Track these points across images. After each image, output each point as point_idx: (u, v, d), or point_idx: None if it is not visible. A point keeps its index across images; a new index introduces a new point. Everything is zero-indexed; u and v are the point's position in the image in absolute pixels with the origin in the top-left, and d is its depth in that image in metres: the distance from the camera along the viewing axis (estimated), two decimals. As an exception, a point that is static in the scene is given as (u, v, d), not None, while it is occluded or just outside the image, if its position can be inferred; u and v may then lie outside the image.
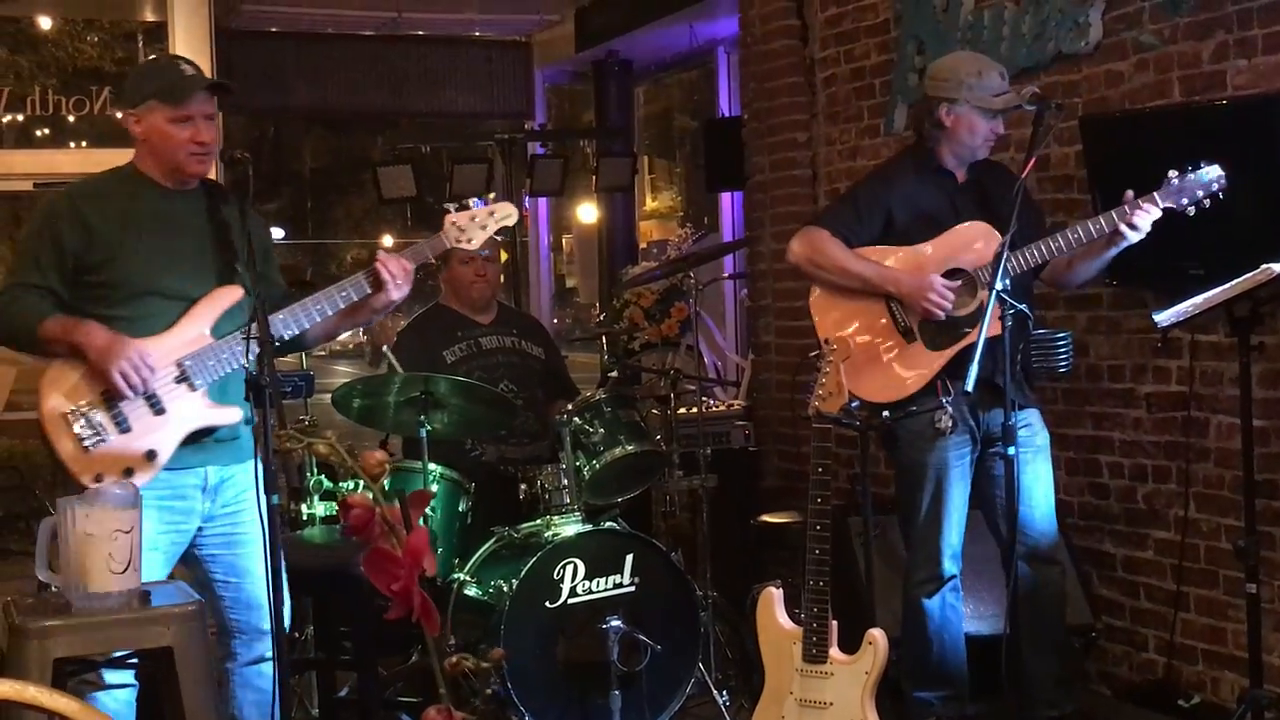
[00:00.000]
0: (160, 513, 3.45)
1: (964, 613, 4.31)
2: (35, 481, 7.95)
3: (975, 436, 4.20)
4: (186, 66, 3.61)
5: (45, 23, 9.22)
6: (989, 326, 3.70)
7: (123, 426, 3.40)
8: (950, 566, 4.21)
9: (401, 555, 1.85)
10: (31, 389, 3.78)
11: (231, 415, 3.50)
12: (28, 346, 3.54)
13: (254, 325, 3.24)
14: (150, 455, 3.41)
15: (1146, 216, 3.85)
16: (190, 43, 7.20)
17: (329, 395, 4.84)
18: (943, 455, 4.14)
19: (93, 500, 2.71)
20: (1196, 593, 4.67)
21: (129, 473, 3.37)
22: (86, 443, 3.36)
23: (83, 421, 3.37)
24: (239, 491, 3.60)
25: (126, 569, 2.70)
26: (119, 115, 3.62)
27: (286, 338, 3.55)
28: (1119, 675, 4.94)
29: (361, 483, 4.62)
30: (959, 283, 4.06)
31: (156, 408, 3.43)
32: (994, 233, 3.99)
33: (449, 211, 3.80)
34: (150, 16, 8.25)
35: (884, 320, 4.17)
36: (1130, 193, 3.87)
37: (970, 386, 3.61)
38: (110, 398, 3.39)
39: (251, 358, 3.27)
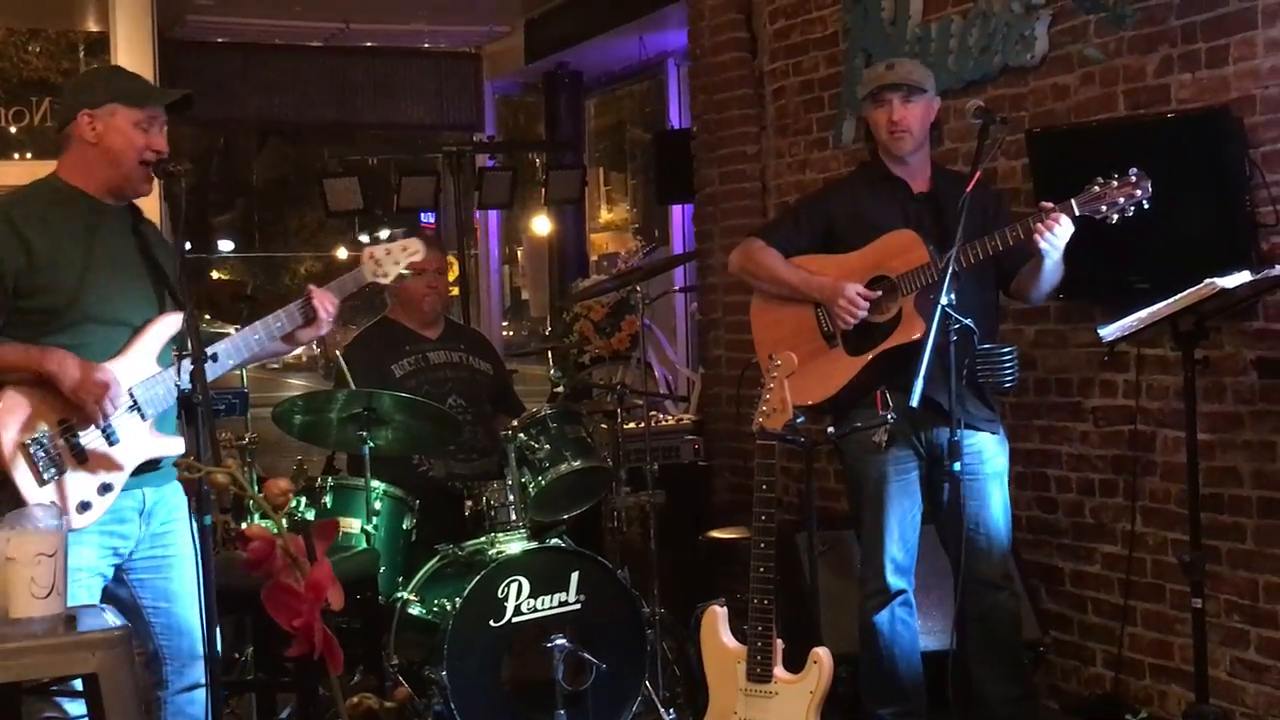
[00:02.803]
0: (101, 537, 3.37)
1: (916, 628, 4.27)
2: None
3: (919, 452, 4.18)
4: (141, 77, 3.57)
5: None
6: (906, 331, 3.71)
7: (80, 457, 3.28)
8: (896, 581, 4.18)
9: (304, 589, 1.77)
10: None
11: (176, 446, 3.39)
12: None
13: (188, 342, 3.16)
14: (105, 489, 3.32)
15: (1059, 226, 3.77)
16: (133, 53, 7.07)
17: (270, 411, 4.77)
18: (882, 469, 4.13)
19: (14, 523, 2.63)
20: (1144, 607, 4.66)
21: (84, 506, 3.28)
22: (45, 475, 3.24)
23: (41, 451, 3.24)
24: (169, 512, 3.52)
25: (50, 593, 2.62)
26: (70, 120, 3.43)
27: (226, 370, 3.53)
28: (1067, 690, 4.93)
29: (300, 502, 4.62)
30: (879, 292, 4.05)
31: (111, 438, 3.32)
32: (920, 242, 3.99)
33: (366, 246, 3.88)
34: (93, 26, 8.13)
35: (811, 325, 4.22)
36: (1046, 204, 3.84)
37: (915, 401, 3.58)
38: (69, 429, 3.28)
39: (184, 375, 3.18)
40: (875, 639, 4.22)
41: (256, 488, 4.67)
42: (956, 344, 3.62)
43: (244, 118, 10.97)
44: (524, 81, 11.01)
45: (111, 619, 2.79)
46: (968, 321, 3.65)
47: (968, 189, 3.77)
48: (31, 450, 3.23)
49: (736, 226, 6.39)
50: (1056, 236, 3.79)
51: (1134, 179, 3.71)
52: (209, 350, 3.37)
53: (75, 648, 2.64)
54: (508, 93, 11.57)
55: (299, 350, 3.99)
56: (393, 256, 3.78)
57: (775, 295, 4.33)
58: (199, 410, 3.08)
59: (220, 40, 10.11)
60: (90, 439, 3.29)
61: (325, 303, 3.61)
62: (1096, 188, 3.74)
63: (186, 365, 3.17)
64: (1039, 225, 3.79)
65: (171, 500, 3.52)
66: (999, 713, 4.27)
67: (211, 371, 3.41)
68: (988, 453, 4.17)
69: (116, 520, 3.41)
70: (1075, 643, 4.91)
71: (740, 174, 6.38)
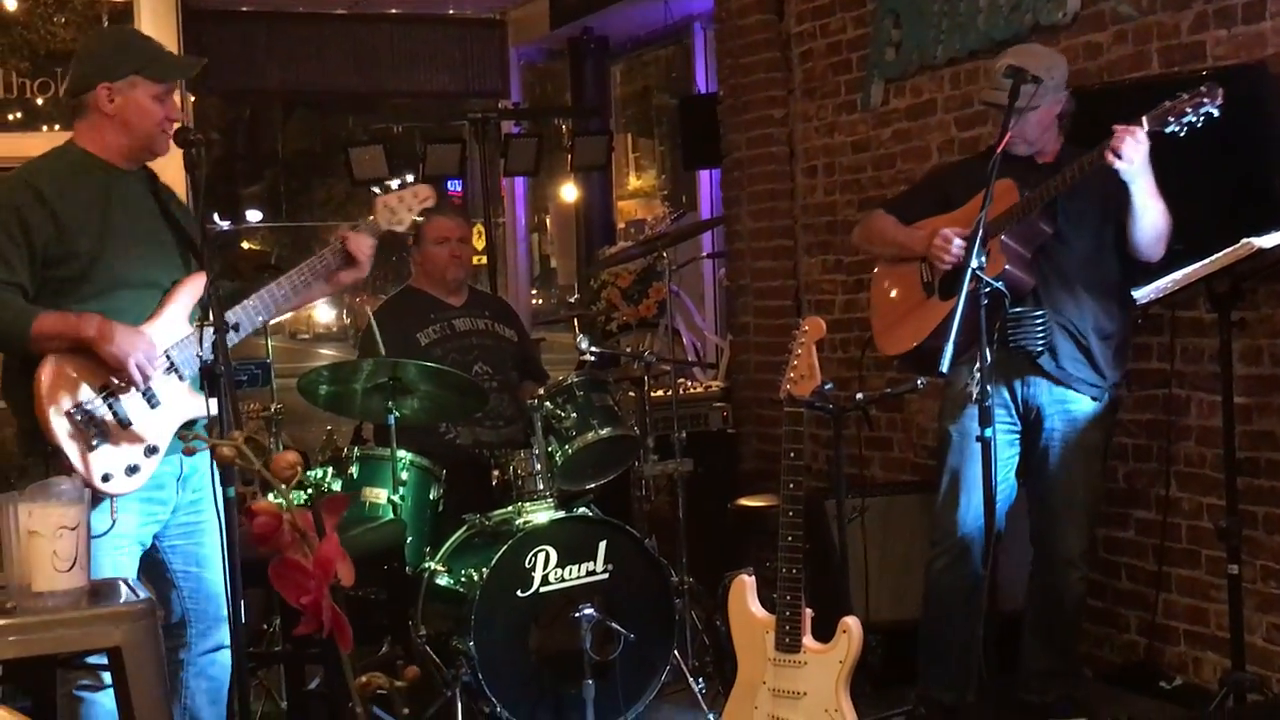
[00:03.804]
0: (143, 505, 3.38)
1: (981, 590, 4.22)
2: (11, 473, 7.84)
3: (1015, 410, 4.15)
4: (156, 40, 3.54)
5: (10, 3, 9.04)
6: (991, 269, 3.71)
7: (123, 422, 3.29)
8: (966, 541, 4.16)
9: (311, 565, 1.73)
10: None
11: (213, 405, 3.33)
12: (10, 348, 3.36)
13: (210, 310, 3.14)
14: (151, 450, 3.33)
15: (1131, 139, 3.69)
16: (157, 23, 7.06)
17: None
18: (967, 424, 4.05)
19: (36, 497, 2.62)
20: (1178, 573, 4.61)
21: (132, 470, 3.28)
22: (92, 441, 3.24)
23: (87, 419, 3.24)
24: (202, 479, 3.49)
25: (73, 567, 2.61)
26: (88, 91, 3.40)
27: (260, 323, 3.55)
28: (1100, 657, 4.88)
29: (327, 472, 4.60)
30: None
31: (152, 401, 3.34)
32: (1015, 188, 3.95)
33: (376, 194, 3.87)
34: (117, -3, 8.12)
35: (914, 279, 4.27)
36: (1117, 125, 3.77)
37: (944, 368, 3.53)
38: (111, 393, 3.28)
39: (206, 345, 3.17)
40: (937, 599, 4.25)
41: (281, 459, 4.65)
42: (987, 308, 3.55)
43: (267, 87, 10.94)
44: (549, 48, 10.94)
45: (134, 592, 2.78)
46: (999, 284, 3.59)
47: (998, 149, 3.70)
48: (77, 417, 3.23)
49: (764, 192, 6.34)
50: (1130, 150, 3.69)
51: (1204, 89, 3.63)
52: (231, 319, 3.35)
53: (98, 621, 2.63)
54: (533, 59, 11.50)
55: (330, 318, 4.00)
56: (405, 203, 3.76)
57: (890, 259, 4.40)
58: (221, 379, 3.05)
59: (243, 9, 10.06)
60: (132, 403, 3.31)
61: (362, 244, 3.64)
62: (1167, 102, 3.66)
63: (209, 334, 3.15)
64: (1109, 144, 3.72)
65: (205, 467, 3.47)
66: (1037, 685, 4.28)
67: (241, 332, 3.45)
68: (1081, 418, 4.12)
69: (156, 487, 3.41)
70: (1109, 609, 4.86)
71: (767, 138, 6.32)
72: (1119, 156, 3.70)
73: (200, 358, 3.20)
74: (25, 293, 3.28)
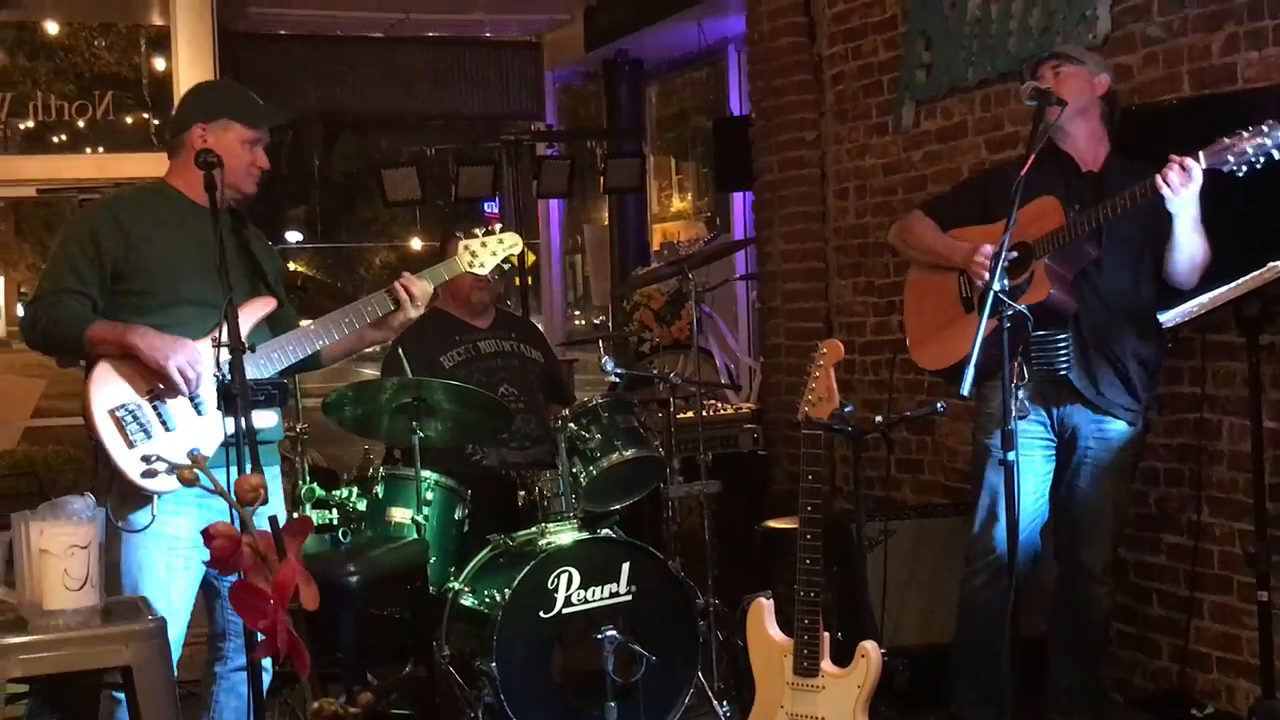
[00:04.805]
0: (199, 510, 3.46)
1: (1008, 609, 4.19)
2: (53, 487, 7.92)
3: (1050, 430, 4.14)
4: (252, 93, 3.73)
5: (52, 28, 9.18)
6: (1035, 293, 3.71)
7: (168, 425, 3.44)
8: (1001, 559, 4.11)
9: (270, 589, 1.72)
10: (62, 393, 3.80)
11: (267, 420, 3.50)
12: (69, 352, 3.59)
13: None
14: (194, 454, 3.36)
15: (1182, 173, 3.64)
16: (194, 46, 7.09)
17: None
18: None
19: (47, 515, 2.63)
20: (1210, 599, 4.54)
21: (174, 470, 3.33)
22: (134, 438, 3.39)
23: (130, 419, 3.41)
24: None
25: (84, 585, 2.62)
26: (184, 130, 3.64)
27: (310, 350, 3.65)
28: (1131, 683, 4.82)
29: (352, 492, 4.60)
30: (1015, 254, 3.93)
31: (199, 409, 3.47)
32: (1059, 207, 3.93)
33: (458, 237, 3.97)
34: (156, 20, 8.18)
35: (953, 293, 4.23)
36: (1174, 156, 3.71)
37: (965, 391, 3.49)
38: (157, 397, 3.44)
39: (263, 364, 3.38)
40: (972, 617, 4.22)
41: (308, 478, 4.66)
42: (1010, 330, 3.52)
43: (305, 110, 11.02)
44: (584, 70, 10.98)
45: (146, 611, 2.79)
46: (1021, 308, 3.55)
47: (1022, 171, 3.67)
48: (120, 416, 3.40)
49: (796, 214, 6.33)
50: (1180, 185, 3.64)
51: (1266, 128, 3.54)
52: (263, 344, 3.52)
53: (109, 640, 2.64)
54: (568, 81, 11.55)
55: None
56: (489, 248, 3.89)
57: (926, 266, 4.36)
58: (237, 400, 3.08)
59: (281, 32, 10.15)
60: (178, 408, 3.46)
61: (413, 288, 3.71)
62: (1226, 139, 3.60)
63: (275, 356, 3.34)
64: (1161, 174, 3.67)
65: (269, 485, 3.55)
66: (1066, 703, 4.25)
67: (289, 359, 3.61)
68: (1115, 441, 4.12)
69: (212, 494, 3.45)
70: (1140, 635, 4.80)
71: (799, 160, 6.31)
72: (1167, 184, 3.66)
73: (218, 378, 3.24)
74: (95, 304, 3.50)
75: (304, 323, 3.72)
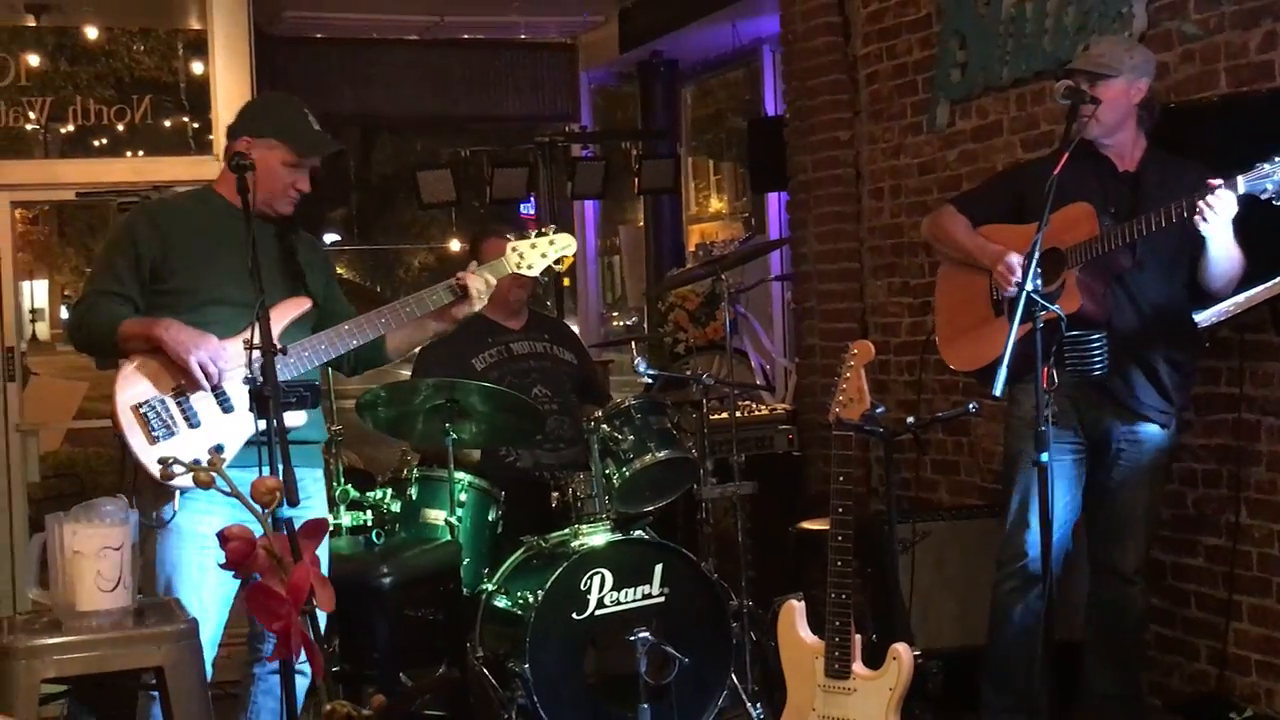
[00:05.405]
0: (233, 510, 3.41)
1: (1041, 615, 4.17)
2: (94, 489, 7.98)
3: (1080, 436, 4.11)
4: (312, 119, 3.75)
5: (91, 33, 9.25)
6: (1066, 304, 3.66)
7: (193, 422, 3.48)
8: (1034, 565, 4.09)
9: (285, 591, 1.72)
10: (104, 395, 3.86)
11: (297, 419, 3.51)
12: (107, 349, 3.62)
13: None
14: (217, 449, 3.38)
15: (1217, 201, 3.58)
16: (231, 50, 7.14)
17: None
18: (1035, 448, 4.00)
19: (80, 517, 2.65)
20: (1249, 601, 4.50)
21: (196, 464, 3.35)
22: (157, 434, 3.42)
23: (154, 414, 3.45)
24: (301, 495, 3.57)
25: (116, 586, 2.64)
26: (233, 140, 3.71)
27: (341, 350, 3.66)
28: (1170, 686, 4.78)
29: (386, 494, 4.61)
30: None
31: (225, 406, 3.50)
32: (1094, 215, 3.89)
33: (508, 239, 3.91)
34: (193, 24, 8.25)
35: (984, 293, 4.19)
36: (1213, 179, 3.64)
37: (998, 392, 3.47)
38: (181, 393, 3.47)
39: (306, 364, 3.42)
40: (1004, 622, 4.18)
41: (343, 480, 4.68)
42: (1043, 331, 3.49)
43: (341, 113, 11.06)
44: (619, 71, 10.99)
45: (178, 612, 2.80)
46: (1055, 308, 3.52)
47: (1054, 170, 3.64)
48: (144, 412, 3.43)
49: (830, 214, 6.31)
50: (1214, 212, 3.59)
51: None
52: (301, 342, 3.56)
53: (141, 641, 2.66)
54: (604, 83, 11.56)
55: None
56: (538, 249, 3.86)
57: (958, 262, 4.32)
58: (270, 401, 3.09)
59: (317, 36, 10.20)
60: (203, 404, 3.48)
61: (477, 281, 3.74)
62: (1267, 165, 3.54)
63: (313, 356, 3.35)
64: (1198, 208, 3.60)
65: (309, 486, 3.68)
66: (1102, 708, 4.21)
67: (320, 358, 3.63)
68: (1148, 444, 4.09)
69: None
70: (1178, 638, 4.75)
71: (833, 160, 6.29)
72: (1203, 213, 3.61)
73: (246, 380, 3.26)
74: (136, 305, 3.57)
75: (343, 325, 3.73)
